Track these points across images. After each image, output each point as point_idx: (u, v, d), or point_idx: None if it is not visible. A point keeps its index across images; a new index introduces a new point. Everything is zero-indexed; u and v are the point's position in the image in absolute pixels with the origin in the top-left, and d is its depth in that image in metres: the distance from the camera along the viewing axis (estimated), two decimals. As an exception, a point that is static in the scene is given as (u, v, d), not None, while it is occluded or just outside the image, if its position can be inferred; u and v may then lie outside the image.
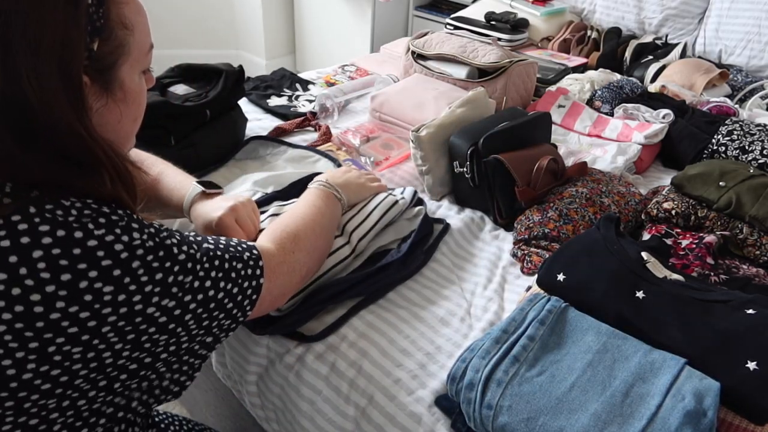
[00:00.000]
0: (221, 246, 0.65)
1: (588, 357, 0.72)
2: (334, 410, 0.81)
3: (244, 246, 0.69)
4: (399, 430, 0.76)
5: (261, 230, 0.88)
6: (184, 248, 0.58)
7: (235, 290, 0.64)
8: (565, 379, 0.69)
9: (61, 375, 0.51)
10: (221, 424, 1.24)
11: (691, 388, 0.66)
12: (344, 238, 0.94)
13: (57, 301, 0.49)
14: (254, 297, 0.67)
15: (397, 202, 1.02)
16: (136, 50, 0.58)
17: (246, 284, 0.66)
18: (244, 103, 1.49)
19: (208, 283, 0.60)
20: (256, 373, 0.90)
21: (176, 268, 0.56)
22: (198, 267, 0.59)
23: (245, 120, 1.36)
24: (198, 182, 0.87)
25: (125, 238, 0.52)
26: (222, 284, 0.62)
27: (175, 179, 0.89)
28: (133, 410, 0.63)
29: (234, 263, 0.64)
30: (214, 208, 0.83)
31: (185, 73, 1.34)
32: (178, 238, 0.59)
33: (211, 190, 0.87)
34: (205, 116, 1.22)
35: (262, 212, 0.98)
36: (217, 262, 0.62)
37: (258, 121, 1.47)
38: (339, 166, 1.23)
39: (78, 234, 0.50)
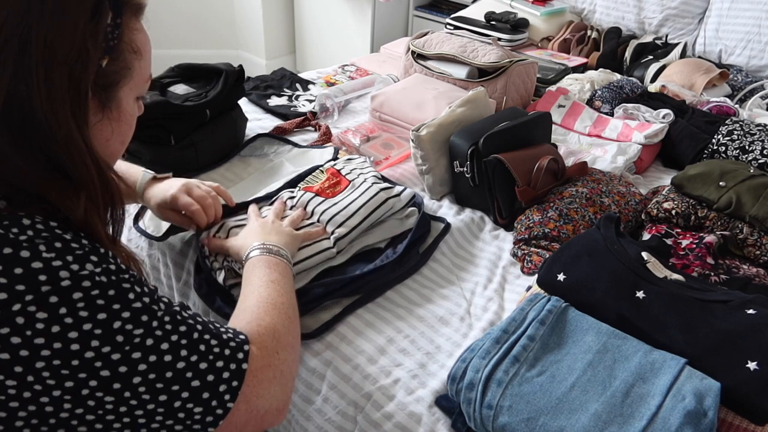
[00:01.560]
0: (199, 318, 0.58)
1: (588, 357, 0.72)
2: (333, 410, 0.81)
3: (229, 329, 0.61)
4: (399, 430, 0.76)
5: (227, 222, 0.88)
6: (145, 299, 0.53)
7: (203, 365, 0.55)
8: (566, 379, 0.69)
9: None
10: (221, 424, 1.24)
11: (692, 388, 0.66)
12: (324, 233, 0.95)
13: None
14: (234, 384, 0.57)
15: (386, 201, 1.01)
16: (139, 75, 0.60)
17: (221, 364, 0.56)
18: (244, 103, 1.49)
19: (164, 346, 0.52)
20: (256, 373, 0.90)
21: (125, 314, 0.50)
22: (155, 323, 0.52)
23: (245, 120, 1.36)
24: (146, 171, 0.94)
25: (74, 266, 0.49)
26: (184, 353, 0.54)
27: (121, 166, 0.93)
28: None
29: (207, 336, 0.57)
30: (167, 188, 0.91)
31: (185, 73, 1.34)
32: (144, 290, 0.54)
33: (161, 175, 0.94)
34: (205, 116, 1.22)
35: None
36: (183, 328, 0.55)
37: (258, 121, 1.47)
38: (336, 158, 1.22)
39: (24, 254, 0.47)
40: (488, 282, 1.00)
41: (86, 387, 0.50)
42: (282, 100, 1.59)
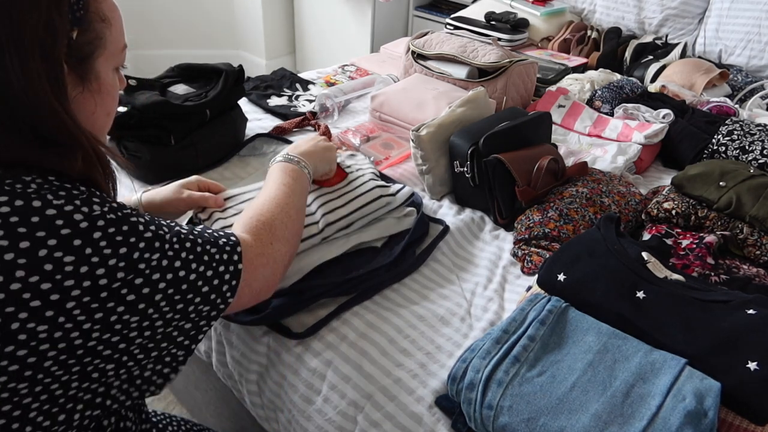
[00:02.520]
0: (195, 231, 0.65)
1: (588, 357, 0.71)
2: (333, 410, 0.81)
3: (221, 233, 0.69)
4: (399, 430, 0.76)
5: (235, 214, 0.90)
6: (152, 227, 0.58)
7: (209, 273, 0.63)
8: (566, 380, 0.69)
9: (28, 356, 0.50)
10: (221, 424, 1.24)
11: (692, 388, 0.66)
12: (313, 218, 0.95)
13: (17, 270, 0.48)
14: (233, 283, 0.66)
15: (381, 197, 1.01)
16: (112, 45, 0.61)
17: (222, 268, 0.65)
18: (244, 103, 1.49)
19: (177, 263, 0.59)
20: (256, 372, 0.90)
21: (141, 245, 0.56)
22: (166, 246, 0.58)
23: (245, 120, 1.36)
24: None
25: (85, 209, 0.52)
26: (194, 266, 0.61)
27: None
28: (114, 398, 0.61)
29: (208, 247, 0.64)
30: (174, 183, 0.94)
31: (185, 73, 1.34)
32: (146, 218, 0.59)
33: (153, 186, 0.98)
34: (205, 116, 1.22)
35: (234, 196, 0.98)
36: (188, 244, 0.61)
37: (258, 121, 1.47)
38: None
39: (36, 203, 0.50)
40: (488, 282, 1.00)
41: (114, 313, 0.54)
42: (282, 100, 1.59)
